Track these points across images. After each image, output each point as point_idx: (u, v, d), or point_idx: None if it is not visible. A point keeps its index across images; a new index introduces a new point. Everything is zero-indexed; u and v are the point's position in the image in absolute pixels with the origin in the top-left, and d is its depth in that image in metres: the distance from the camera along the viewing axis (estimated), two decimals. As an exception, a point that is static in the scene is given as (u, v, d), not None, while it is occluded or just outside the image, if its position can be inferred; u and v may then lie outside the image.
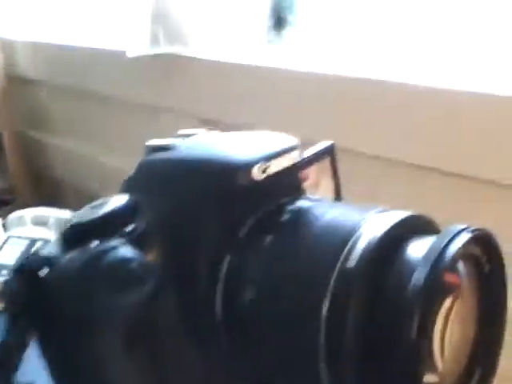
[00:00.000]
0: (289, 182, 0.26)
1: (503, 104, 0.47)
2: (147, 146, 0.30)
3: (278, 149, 0.25)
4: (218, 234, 0.24)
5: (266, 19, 0.86)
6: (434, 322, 0.19)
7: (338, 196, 0.31)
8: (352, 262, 0.20)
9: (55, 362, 0.24)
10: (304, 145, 0.28)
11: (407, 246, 0.21)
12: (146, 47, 0.83)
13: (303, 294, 0.21)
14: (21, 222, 0.72)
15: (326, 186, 0.30)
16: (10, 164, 1.05)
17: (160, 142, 0.29)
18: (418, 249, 0.20)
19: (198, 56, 0.85)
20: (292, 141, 0.26)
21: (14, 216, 0.73)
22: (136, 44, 0.84)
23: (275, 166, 0.24)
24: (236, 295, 0.23)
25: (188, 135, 0.30)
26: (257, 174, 0.24)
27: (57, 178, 1.07)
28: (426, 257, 0.19)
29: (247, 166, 0.24)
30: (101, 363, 0.23)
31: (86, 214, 0.26)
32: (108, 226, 0.25)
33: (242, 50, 0.87)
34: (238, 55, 0.84)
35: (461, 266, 0.21)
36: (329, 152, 0.28)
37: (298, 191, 0.27)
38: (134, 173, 0.29)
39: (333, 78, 0.63)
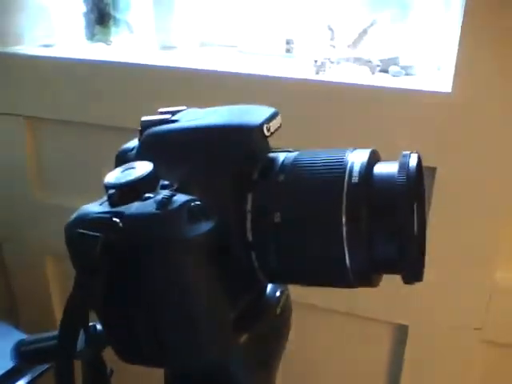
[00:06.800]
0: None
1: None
2: (144, 121, 0.35)
3: (271, 113, 0.34)
4: (238, 179, 0.32)
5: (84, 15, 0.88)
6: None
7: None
8: (355, 179, 0.30)
9: (145, 291, 0.30)
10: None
11: (379, 166, 0.32)
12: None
13: (323, 207, 0.30)
14: None
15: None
16: None
17: (157, 117, 0.35)
18: (387, 167, 0.31)
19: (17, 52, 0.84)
20: (273, 109, 0.35)
21: None
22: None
23: (273, 126, 0.33)
24: (262, 221, 0.31)
25: (175, 111, 0.36)
26: (266, 131, 0.33)
27: None
28: (400, 168, 0.30)
29: (260, 126, 0.32)
30: (188, 277, 0.29)
31: (122, 176, 0.32)
32: (148, 184, 0.32)
33: (63, 46, 0.89)
34: (58, 51, 0.86)
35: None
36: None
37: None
38: (141, 144, 0.35)
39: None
